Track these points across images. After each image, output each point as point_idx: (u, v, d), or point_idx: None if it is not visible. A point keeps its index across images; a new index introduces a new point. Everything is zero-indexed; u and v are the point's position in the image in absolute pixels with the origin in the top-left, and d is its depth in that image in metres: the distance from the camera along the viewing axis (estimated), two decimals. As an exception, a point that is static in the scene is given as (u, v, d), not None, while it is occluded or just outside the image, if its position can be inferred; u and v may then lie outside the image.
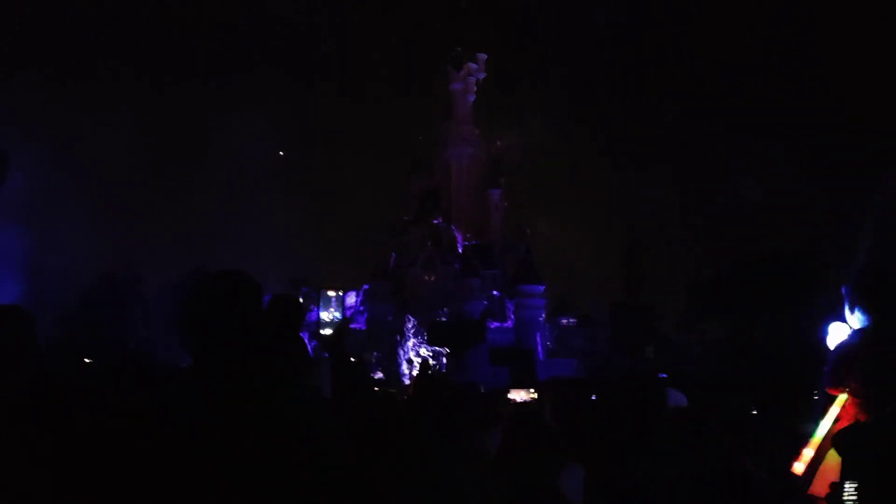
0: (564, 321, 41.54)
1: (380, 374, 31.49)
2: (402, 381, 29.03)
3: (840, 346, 3.77)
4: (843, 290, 3.94)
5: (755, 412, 8.05)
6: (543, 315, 40.94)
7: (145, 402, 1.67)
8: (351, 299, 37.47)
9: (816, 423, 3.94)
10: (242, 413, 1.69)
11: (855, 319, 3.78)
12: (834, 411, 3.86)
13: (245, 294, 1.87)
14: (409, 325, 37.25)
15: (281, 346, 3.29)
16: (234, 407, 1.70)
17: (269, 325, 3.36)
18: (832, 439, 2.97)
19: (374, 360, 30.24)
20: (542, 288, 41.18)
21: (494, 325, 36.55)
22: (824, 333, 4.01)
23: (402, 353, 35.03)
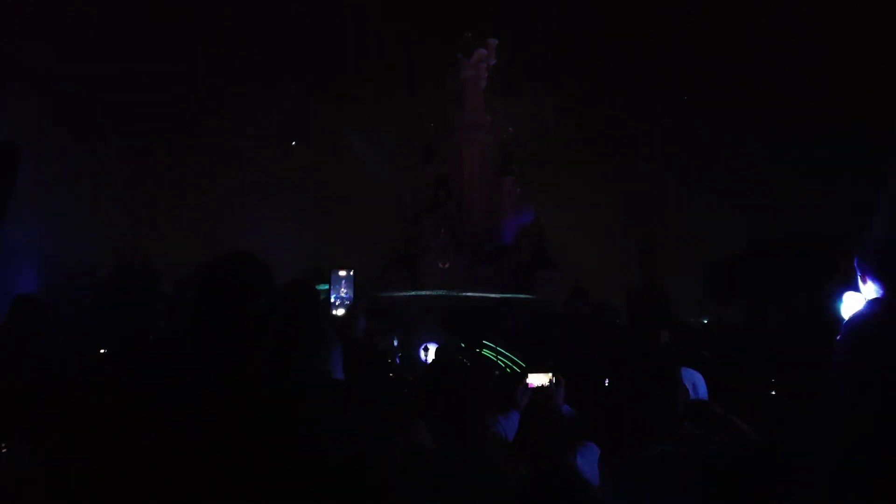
0: (580, 306, 41.47)
1: (397, 361, 31.59)
2: (419, 368, 29.13)
3: (853, 317, 3.71)
4: (856, 261, 3.88)
5: (774, 392, 8.00)
6: (559, 301, 40.85)
7: (151, 386, 1.67)
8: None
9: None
10: (251, 396, 1.67)
11: (869, 290, 3.71)
12: None
13: (253, 275, 1.86)
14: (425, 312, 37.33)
15: (293, 329, 3.30)
16: (243, 390, 1.69)
17: (281, 308, 3.36)
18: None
19: (391, 347, 30.25)
20: (557, 274, 41.12)
21: (509, 311, 36.54)
22: (839, 306, 3.95)
23: (417, 339, 35.13)
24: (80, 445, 1.69)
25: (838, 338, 4.14)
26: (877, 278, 3.64)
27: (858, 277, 3.83)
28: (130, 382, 1.78)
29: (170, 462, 1.56)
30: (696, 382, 4.10)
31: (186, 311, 1.84)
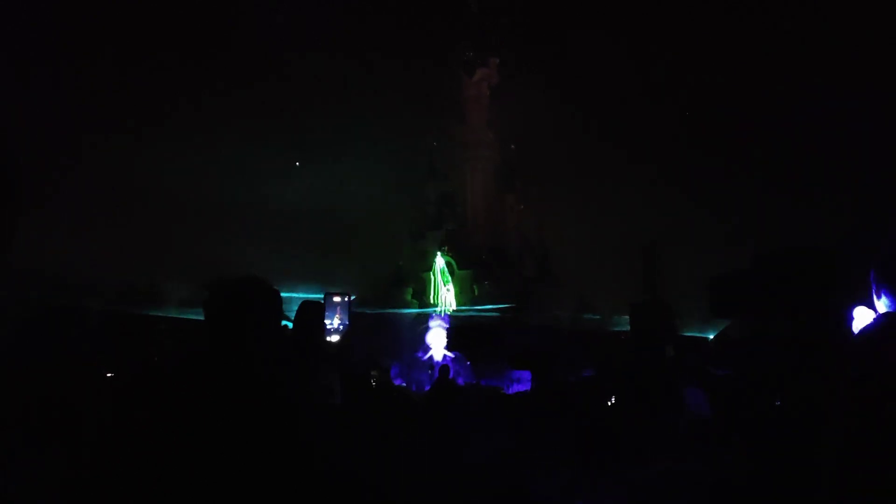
0: (584, 321, 41.42)
1: (400, 380, 31.57)
2: (423, 386, 29.10)
3: (863, 331, 3.72)
4: (871, 275, 3.88)
5: (777, 404, 7.97)
6: (562, 316, 40.84)
7: (156, 408, 1.69)
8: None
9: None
10: (254, 418, 1.70)
11: (881, 304, 3.71)
12: None
13: (264, 300, 1.89)
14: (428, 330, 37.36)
15: (299, 353, 3.34)
16: (246, 412, 1.71)
17: (291, 331, 3.41)
18: None
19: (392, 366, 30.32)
20: (560, 289, 41.10)
21: (513, 328, 36.50)
22: (850, 320, 3.96)
23: (421, 358, 35.10)
24: (86, 461, 1.72)
25: (848, 351, 4.14)
26: (890, 293, 3.65)
27: (873, 292, 3.83)
28: (147, 409, 1.80)
29: (185, 479, 1.58)
30: (699, 401, 4.12)
31: (201, 333, 1.87)
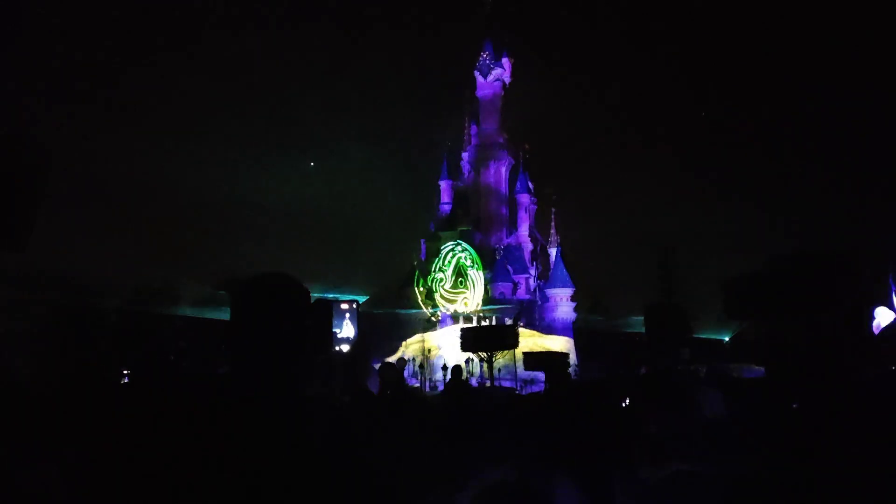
0: (597, 323, 41.33)
1: (415, 382, 31.62)
2: (437, 387, 29.12)
3: (884, 330, 3.68)
4: (890, 278, 3.85)
5: (795, 406, 7.87)
6: (576, 317, 40.77)
7: (172, 409, 1.68)
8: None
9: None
10: (263, 417, 1.68)
11: None
12: None
13: (296, 297, 1.85)
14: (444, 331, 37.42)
15: (318, 352, 3.35)
16: (273, 416, 1.69)
17: (311, 331, 3.41)
18: None
19: (407, 367, 30.34)
20: (573, 290, 41.02)
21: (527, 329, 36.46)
22: (869, 320, 3.93)
23: (436, 359, 35.13)
24: (103, 458, 1.73)
25: (868, 351, 4.09)
26: None
27: (893, 293, 3.80)
28: (152, 404, 1.80)
29: (187, 478, 1.58)
30: (714, 402, 4.07)
31: (225, 330, 1.84)
